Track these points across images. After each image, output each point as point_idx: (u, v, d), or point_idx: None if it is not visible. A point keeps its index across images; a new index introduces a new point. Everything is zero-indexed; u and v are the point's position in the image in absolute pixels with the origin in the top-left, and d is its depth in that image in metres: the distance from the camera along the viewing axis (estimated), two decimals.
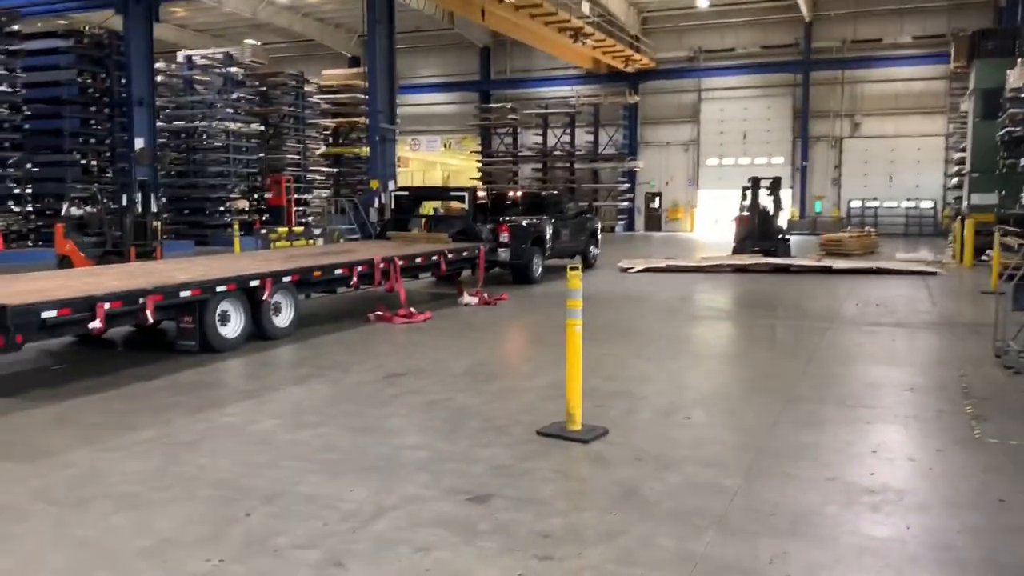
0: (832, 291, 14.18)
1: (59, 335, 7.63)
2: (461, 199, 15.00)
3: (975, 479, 4.83)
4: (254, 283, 8.92)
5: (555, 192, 21.23)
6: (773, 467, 5.04)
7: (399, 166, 27.94)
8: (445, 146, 41.12)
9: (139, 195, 17.72)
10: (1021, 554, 3.80)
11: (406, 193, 16.29)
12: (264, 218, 25.78)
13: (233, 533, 4.02)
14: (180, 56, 26.21)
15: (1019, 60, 16.19)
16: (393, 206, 16.00)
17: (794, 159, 35.95)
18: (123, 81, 22.74)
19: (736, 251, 19.69)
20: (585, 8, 30.38)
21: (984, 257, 17.15)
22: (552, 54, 34.39)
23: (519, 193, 18.07)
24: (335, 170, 30.99)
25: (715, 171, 37.16)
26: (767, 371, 8.17)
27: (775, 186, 19.93)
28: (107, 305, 7.18)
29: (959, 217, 21.00)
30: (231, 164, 25.58)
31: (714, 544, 3.90)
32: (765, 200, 19.89)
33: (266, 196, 26.40)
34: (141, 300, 7.54)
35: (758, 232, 19.72)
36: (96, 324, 7.08)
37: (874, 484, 4.71)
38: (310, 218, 27.94)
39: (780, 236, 19.87)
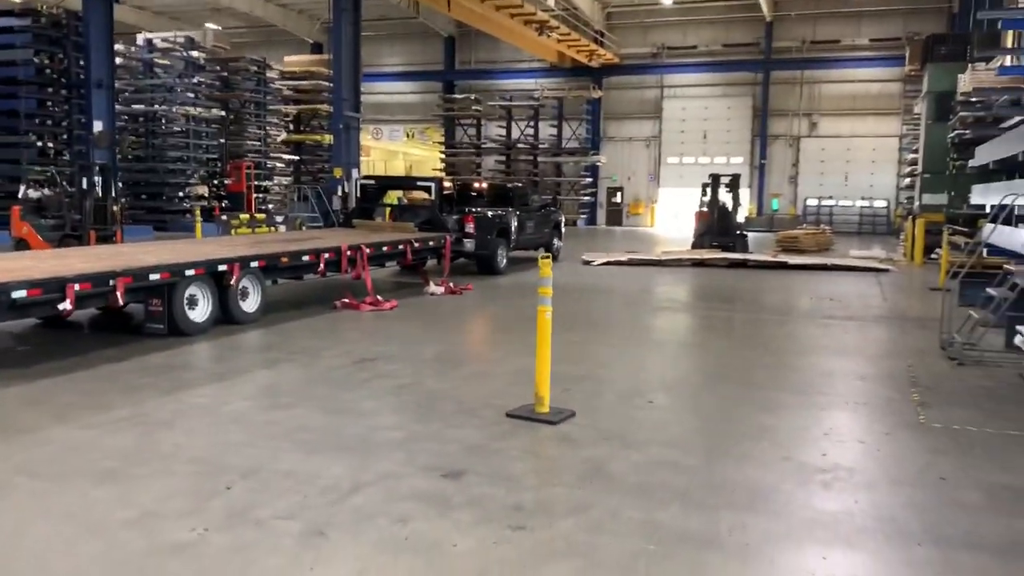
0: (788, 286, 14.59)
1: (27, 316, 7.61)
2: (427, 189, 15.09)
3: (919, 459, 5.13)
4: (222, 268, 8.96)
5: (520, 184, 21.41)
6: (732, 448, 5.29)
7: (361, 155, 27.89)
8: (408, 136, 41.08)
9: (98, 178, 17.51)
10: (959, 525, 4.09)
11: (372, 182, 16.33)
12: (224, 204, 25.58)
13: (214, 506, 4.14)
14: (140, 38, 25.84)
15: (970, 65, 16.74)
16: (358, 194, 16.02)
17: (753, 158, 36.59)
18: (81, 62, 22.36)
19: (695, 246, 20.08)
20: (550, 1, 30.56)
21: (934, 255, 17.74)
22: (517, 46, 34.57)
23: (484, 185, 18.20)
24: (296, 157, 30.81)
25: (676, 169, 37.66)
26: (726, 360, 8.45)
27: (734, 183, 20.35)
28: (77, 286, 7.20)
29: (911, 216, 21.65)
30: (191, 149, 25.33)
31: (677, 516, 4.13)
32: (724, 197, 20.30)
33: (226, 182, 26.19)
34: (111, 282, 7.56)
35: (717, 228, 20.12)
36: (66, 305, 7.09)
37: (826, 464, 4.98)
38: (270, 205, 27.78)
39: (738, 232, 20.31)
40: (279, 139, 30.22)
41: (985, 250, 11.03)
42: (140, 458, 4.83)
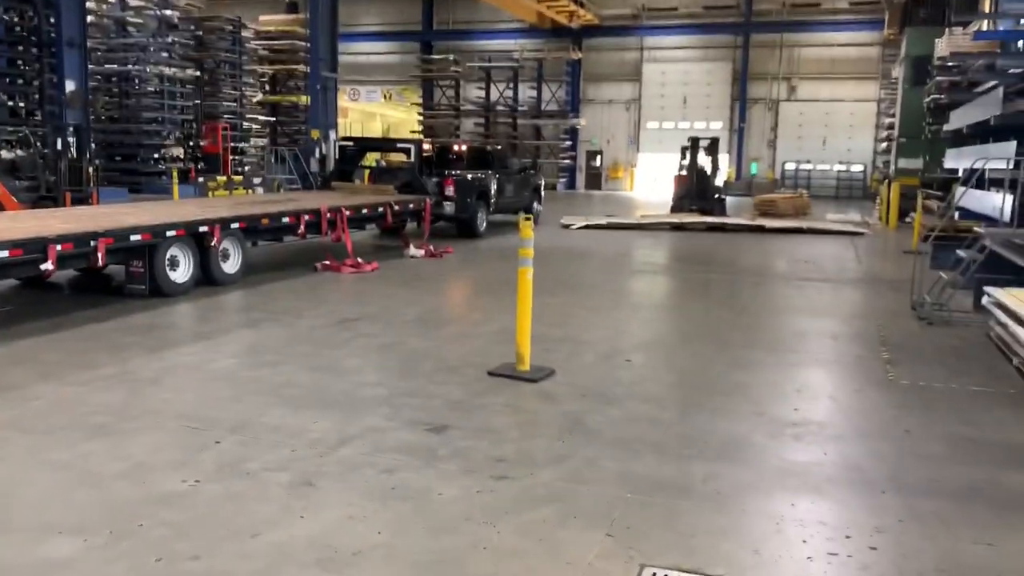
0: (765, 249, 14.79)
1: (7, 277, 7.62)
2: (407, 151, 15.08)
3: (886, 414, 5.34)
4: (203, 229, 8.97)
5: (499, 147, 21.37)
6: (706, 403, 5.47)
7: (339, 116, 27.65)
8: (385, 97, 40.73)
9: (72, 139, 17.32)
10: (921, 474, 4.29)
11: (351, 144, 16.27)
12: (200, 166, 25.34)
13: (205, 458, 4.25)
14: None
15: (947, 29, 16.86)
16: (336, 156, 15.96)
17: (732, 122, 36.68)
18: (52, 20, 21.91)
19: (674, 209, 20.23)
20: None
21: (908, 219, 18.00)
22: (497, 6, 34.22)
23: (464, 147, 18.18)
24: (273, 118, 30.48)
25: (655, 134, 37.69)
26: (702, 320, 8.63)
27: (713, 147, 20.46)
28: (59, 247, 7.21)
29: (887, 181, 21.89)
30: (165, 110, 24.98)
31: (652, 466, 4.30)
32: (703, 161, 20.42)
33: (202, 144, 25.91)
34: (93, 243, 7.57)
35: (696, 191, 20.27)
36: (48, 266, 7.11)
37: (797, 418, 5.17)
38: (247, 167, 27.54)
39: (716, 196, 20.48)
40: (255, 100, 29.85)
41: (957, 213, 11.27)
42: (129, 413, 4.92)
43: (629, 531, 3.55)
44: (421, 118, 38.99)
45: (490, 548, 3.38)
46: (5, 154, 16.99)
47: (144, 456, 4.26)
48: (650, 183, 36.65)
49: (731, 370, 6.36)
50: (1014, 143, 8.96)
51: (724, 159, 30.37)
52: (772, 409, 5.36)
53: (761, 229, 17.66)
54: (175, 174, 21.01)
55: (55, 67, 21.85)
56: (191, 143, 26.37)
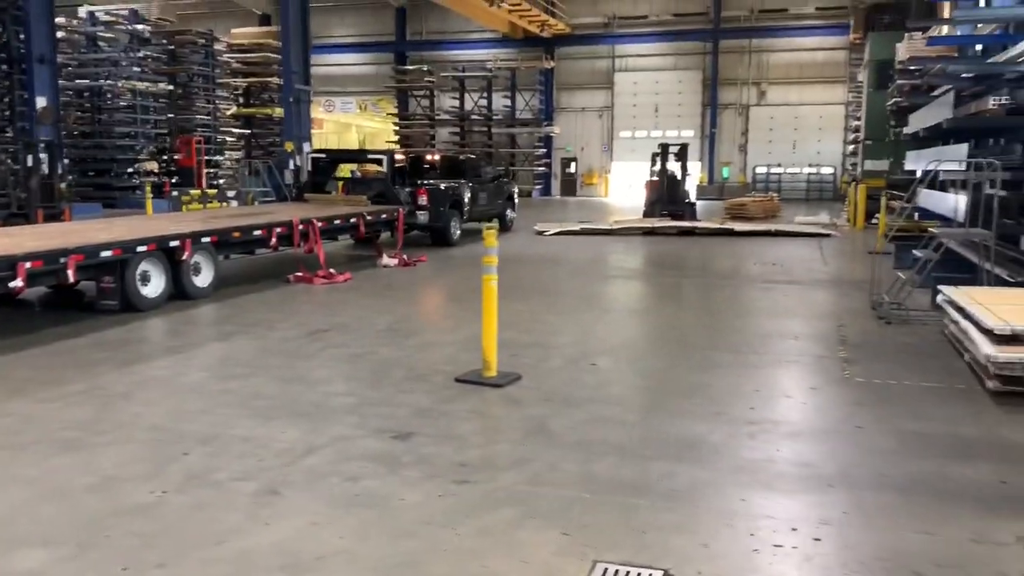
0: (734, 252, 15.01)
1: None
2: (379, 162, 15.18)
3: (840, 411, 5.51)
4: (174, 243, 9.03)
5: (472, 156, 21.51)
6: (668, 404, 5.62)
7: (313, 128, 27.69)
8: (361, 108, 40.75)
9: (44, 156, 17.27)
10: (869, 468, 4.45)
11: (324, 155, 16.35)
12: (174, 180, 25.29)
13: (173, 470, 4.34)
14: (83, 11, 25.25)
15: (906, 34, 17.21)
16: (310, 168, 16.03)
17: (704, 128, 37.07)
18: (22, 36, 21.83)
19: (646, 215, 20.45)
20: None
21: (874, 220, 18.33)
22: (469, 16, 34.42)
23: (437, 157, 18.31)
24: (247, 131, 30.46)
25: (628, 143, 37.99)
26: (669, 323, 8.80)
27: (682, 153, 20.72)
28: (28, 264, 7.25)
29: (854, 182, 22.25)
30: (138, 124, 24.93)
31: (612, 467, 4.43)
32: (673, 166, 20.68)
33: (176, 158, 25.88)
34: (63, 260, 7.62)
35: (667, 197, 20.51)
36: (18, 283, 7.15)
37: (753, 417, 5.33)
38: (221, 180, 27.51)
39: (687, 201, 20.74)
40: (228, 113, 29.82)
41: (917, 214, 11.54)
42: (99, 428, 4.99)
43: (585, 529, 3.68)
44: (397, 128, 39.08)
45: (449, 550, 3.49)
46: None
47: (113, 469, 4.34)
48: (624, 189, 36.94)
49: (694, 372, 6.52)
50: (966, 145, 9.22)
51: (695, 164, 30.81)
52: (730, 409, 5.51)
53: (730, 233, 17.91)
54: (148, 189, 20.97)
55: (25, 83, 21.78)
56: (165, 157, 26.34)
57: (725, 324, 8.56)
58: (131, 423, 5.10)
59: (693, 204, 20.92)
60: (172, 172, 25.96)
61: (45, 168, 17.45)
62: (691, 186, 21.58)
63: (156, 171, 25.73)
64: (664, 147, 20.90)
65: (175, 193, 22.44)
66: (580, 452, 4.65)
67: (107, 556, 3.39)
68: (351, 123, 42.99)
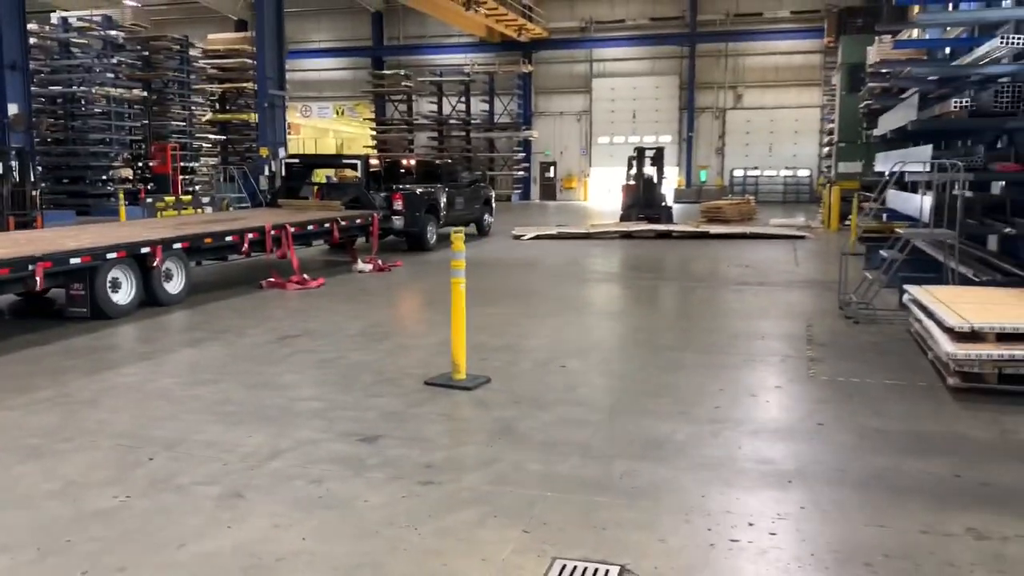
0: (709, 255, 15.14)
1: None
2: (354, 167, 15.19)
3: (802, 409, 5.59)
4: (144, 250, 9.01)
5: (449, 161, 21.55)
6: (634, 405, 5.68)
7: (290, 133, 27.64)
8: (338, 113, 40.71)
9: (15, 163, 17.13)
10: (828, 464, 4.53)
11: (297, 161, 16.33)
12: (149, 187, 25.15)
13: (137, 475, 4.34)
14: (55, 17, 25.06)
15: (876, 38, 17.44)
16: (284, 174, 16.01)
17: (681, 132, 37.33)
18: None
19: (623, 218, 20.57)
20: None
21: (847, 222, 18.53)
22: (445, 21, 34.48)
23: (413, 162, 18.35)
24: (222, 137, 30.35)
25: (607, 149, 38.19)
26: (641, 325, 8.87)
27: (658, 156, 20.88)
28: None
29: (830, 184, 22.49)
30: (113, 131, 24.77)
31: (576, 466, 4.48)
32: (650, 170, 20.82)
33: (151, 164, 25.74)
34: (30, 267, 7.57)
35: (643, 200, 20.65)
36: None
37: (717, 416, 5.39)
38: (197, 186, 27.38)
39: (663, 204, 20.89)
40: (204, 119, 29.69)
41: (885, 215, 11.69)
42: (64, 435, 4.98)
43: (545, 527, 3.72)
44: (374, 133, 39.05)
45: (410, 549, 3.52)
46: None
47: (76, 475, 4.33)
48: (603, 193, 37.10)
49: (662, 372, 6.59)
50: (930, 147, 9.36)
51: (673, 168, 30.99)
52: (695, 408, 5.57)
53: (706, 235, 18.05)
54: (122, 195, 20.83)
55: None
56: (140, 164, 26.18)
57: (696, 326, 8.64)
58: (96, 430, 5.09)
59: (669, 208, 21.08)
60: (147, 179, 25.82)
61: (16, 176, 17.30)
62: (668, 190, 21.74)
63: (131, 178, 25.57)
64: (640, 151, 21.05)
65: (150, 200, 22.29)
66: (545, 452, 4.69)
67: (67, 561, 3.39)
68: (328, 128, 42.95)
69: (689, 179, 36.97)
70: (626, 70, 37.74)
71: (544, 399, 5.80)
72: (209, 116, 30.15)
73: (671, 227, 18.96)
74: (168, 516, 3.83)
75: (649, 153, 20.95)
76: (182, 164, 26.11)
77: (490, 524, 3.76)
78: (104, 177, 24.77)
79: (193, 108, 28.55)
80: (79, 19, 24.91)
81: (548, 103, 38.96)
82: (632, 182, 20.90)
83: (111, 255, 8.54)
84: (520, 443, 4.86)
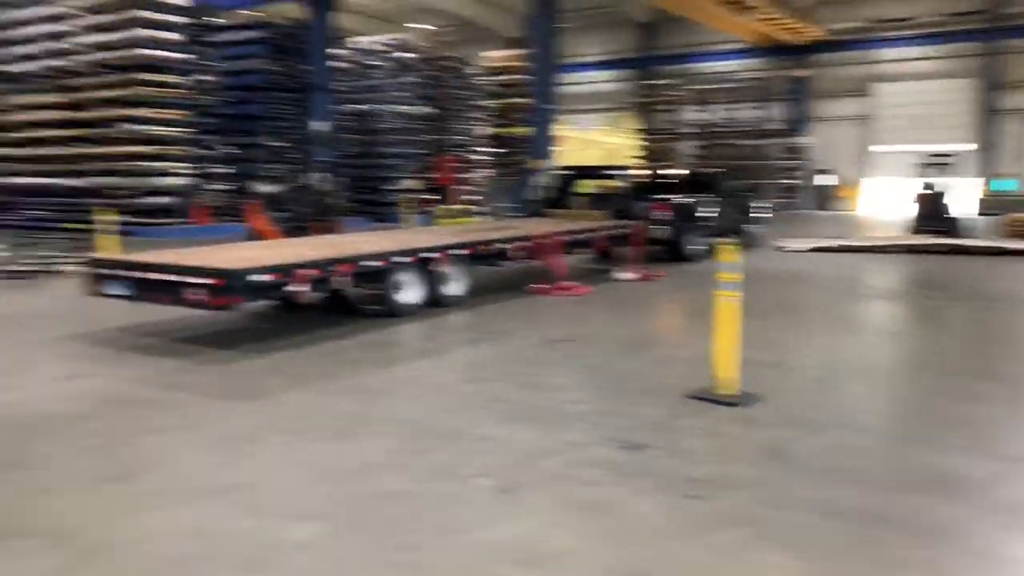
0: (1010, 273, 13.53)
1: (264, 298, 8.71)
2: (618, 177, 15.38)
3: None
4: (429, 255, 9.75)
5: (714, 170, 21.12)
6: (922, 435, 5.23)
7: (557, 145, 28.55)
8: (603, 124, 41.37)
9: (320, 175, 19.30)
10: None
11: (566, 171, 16.83)
12: (431, 197, 27.17)
13: (423, 462, 4.72)
14: (359, 42, 27.88)
15: None
16: (553, 184, 16.58)
17: (979, 137, 33.60)
18: (305, 68, 24.61)
19: (915, 231, 18.99)
20: None
21: None
22: (715, 28, 33.85)
23: (678, 171, 18.21)
24: (499, 150, 32.01)
25: (886, 157, 35.31)
26: (927, 347, 8.15)
27: (952, 165, 19.02)
28: (306, 272, 8.17)
29: None
30: (401, 145, 27.08)
31: (853, 496, 4.21)
32: (943, 180, 19.03)
33: (433, 176, 27.79)
34: (334, 268, 8.50)
35: (935, 212, 18.95)
36: (296, 288, 8.08)
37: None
38: (474, 197, 29.11)
39: (950, 216, 19.04)
40: (482, 133, 31.50)
41: None
42: (361, 419, 5.54)
43: (821, 557, 3.55)
44: (640, 143, 39.21)
45: (679, 562, 3.52)
46: (266, 189, 19.23)
47: (372, 457, 4.81)
48: (881, 203, 34.38)
49: (954, 401, 6.00)
50: None
51: (970, 178, 28.02)
52: (995, 445, 5.02)
53: (1007, 252, 16.12)
54: (408, 205, 22.70)
55: (307, 110, 24.50)
56: (424, 176, 28.38)
57: (995, 351, 7.77)
58: (388, 417, 5.61)
59: (958, 220, 19.13)
60: (430, 189, 27.91)
61: (323, 185, 19.47)
62: (962, 200, 19.72)
63: (416, 188, 27.79)
64: (935, 157, 19.30)
65: (430, 209, 24.06)
66: (819, 478, 4.47)
67: (368, 535, 3.78)
68: (593, 139, 43.76)
69: (991, 189, 33.17)
70: (912, 71, 34.70)
71: (817, 421, 5.51)
72: (487, 131, 31.94)
73: (966, 241, 17.15)
74: (449, 504, 4.14)
75: (940, 161, 19.14)
76: (460, 175, 27.91)
77: (760, 547, 3.65)
78: (392, 187, 27.14)
79: (472, 123, 30.44)
80: (374, 43, 27.53)
81: (823, 108, 36.85)
82: (927, 191, 19.23)
83: (402, 259, 9.35)
84: (791, 466, 4.67)
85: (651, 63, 40.14)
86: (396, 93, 27.00)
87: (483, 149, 31.25)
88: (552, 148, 23.28)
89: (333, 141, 24.34)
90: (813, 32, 34.17)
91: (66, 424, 5.44)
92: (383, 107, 26.85)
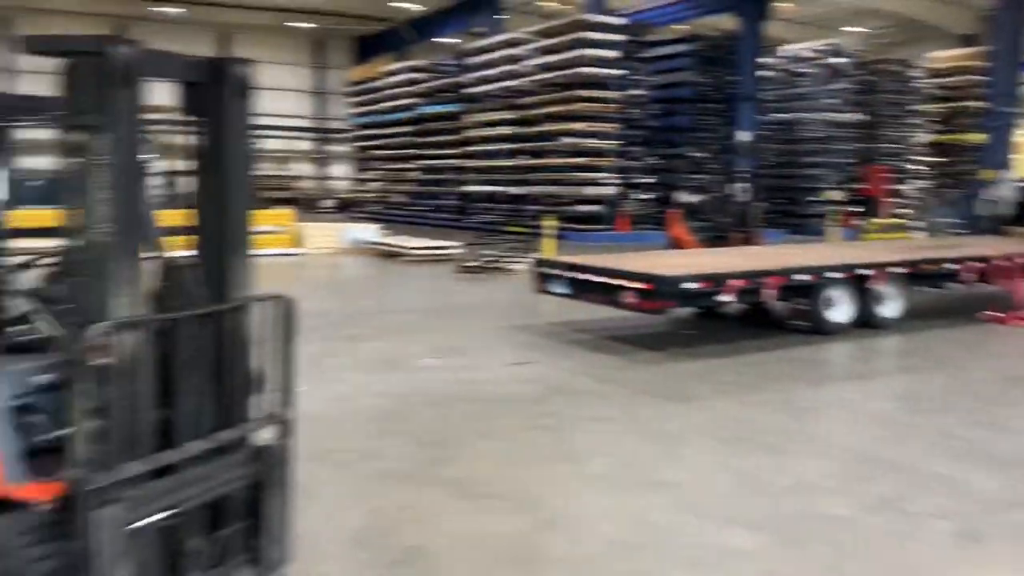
0: None
1: (692, 305, 8.91)
2: None
3: None
4: (864, 272, 9.15)
5: None
6: None
7: (1017, 153, 24.91)
8: None
9: (743, 185, 19.15)
10: None
11: None
12: (857, 209, 25.43)
13: (863, 490, 4.45)
14: (787, 50, 27.16)
15: None
16: (1014, 199, 14.53)
17: None
18: (732, 79, 24.61)
19: None
20: None
21: None
22: None
23: None
24: (941, 159, 28.92)
25: None
26: None
27: None
28: (735, 282, 8.18)
29: None
30: (827, 154, 25.76)
31: None
32: None
33: (861, 187, 25.99)
34: (764, 280, 8.38)
35: None
36: (726, 298, 8.12)
37: None
38: (907, 210, 26.65)
39: None
40: (921, 141, 28.74)
41: None
42: (791, 436, 5.40)
43: None
44: None
45: None
46: (687, 198, 19.60)
47: (807, 477, 4.66)
48: None
49: None
50: None
51: None
52: None
53: None
54: (833, 217, 21.56)
55: (732, 120, 24.52)
56: (849, 186, 26.69)
57: None
58: (820, 438, 5.39)
59: None
60: (856, 201, 26.16)
61: (744, 196, 19.34)
62: None
63: (841, 200, 26.25)
64: None
65: (857, 222, 22.55)
66: None
67: (813, 557, 3.67)
68: None
69: None
70: None
71: None
72: (925, 138, 29.08)
73: None
74: (900, 539, 3.84)
75: None
76: (891, 187, 25.76)
77: None
78: (813, 198, 25.95)
79: (909, 130, 27.92)
80: (806, 50, 26.54)
81: None
82: None
83: (833, 274, 8.91)
84: None
85: None
86: (825, 100, 25.76)
87: (920, 158, 28.46)
88: (1009, 157, 20.39)
89: (756, 151, 24.02)
90: None
91: (521, 404, 6.11)
92: (810, 115, 25.81)
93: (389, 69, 31.09)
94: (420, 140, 29.02)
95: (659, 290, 7.77)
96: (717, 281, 8.14)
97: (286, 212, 18.62)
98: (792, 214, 25.81)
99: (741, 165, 23.42)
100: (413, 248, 16.43)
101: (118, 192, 2.58)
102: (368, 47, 39.31)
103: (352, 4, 35.90)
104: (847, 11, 35.02)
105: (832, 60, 25.76)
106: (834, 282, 8.98)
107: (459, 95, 26.84)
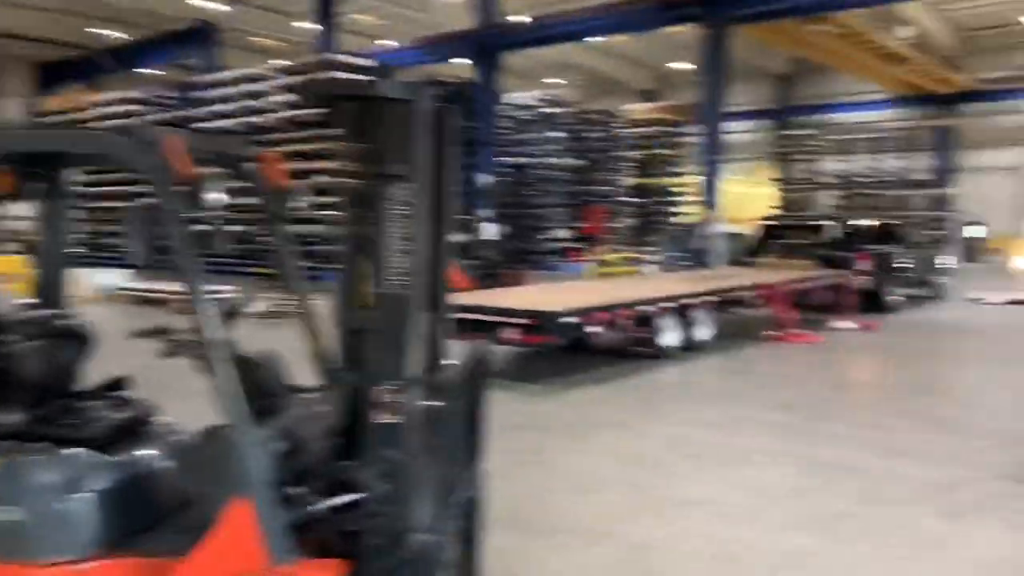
0: None
1: (567, 337, 9.26)
2: (825, 228, 15.67)
3: None
4: (687, 301, 10.21)
5: (900, 223, 20.82)
6: None
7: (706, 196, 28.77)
8: (739, 173, 41.42)
9: (491, 225, 20.05)
10: None
11: (769, 222, 17.30)
12: (579, 246, 27.70)
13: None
14: (513, 98, 28.91)
15: None
16: (754, 235, 16.95)
17: None
18: (470, 125, 25.69)
19: None
20: (903, 32, 29.60)
21: None
22: (861, 78, 33.69)
23: (870, 223, 18.25)
24: (642, 200, 32.45)
25: None
26: None
27: None
28: (600, 315, 8.71)
29: None
30: (552, 196, 27.73)
31: None
32: None
33: (582, 225, 28.42)
34: (619, 312, 9.03)
35: None
36: (594, 329, 8.62)
37: None
38: (623, 247, 29.50)
39: None
40: (627, 184, 32.05)
41: None
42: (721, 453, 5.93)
43: None
44: (775, 193, 39.02)
45: None
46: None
47: (771, 490, 5.17)
48: None
49: None
50: None
51: None
52: None
53: None
54: (569, 254, 23.24)
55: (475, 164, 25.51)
56: (573, 225, 29.01)
57: None
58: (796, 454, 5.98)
59: None
60: (579, 239, 28.48)
61: (494, 235, 20.32)
62: None
63: (567, 237, 28.41)
64: None
65: (588, 259, 24.53)
66: None
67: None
68: (727, 189, 43.76)
69: None
70: None
71: None
72: (632, 180, 32.44)
73: None
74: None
75: None
76: (609, 225, 28.47)
77: None
78: (545, 236, 27.82)
79: (615, 174, 31.08)
80: (530, 98, 28.53)
81: (973, 159, 36.00)
82: None
83: (666, 304, 9.83)
84: None
85: (789, 113, 40.17)
86: (546, 146, 27.84)
87: (627, 199, 31.75)
88: (720, 198, 23.44)
89: (495, 194, 25.28)
90: (960, 82, 33.58)
91: None
92: (535, 160, 27.72)
93: (96, 100, 28.18)
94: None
95: (543, 325, 8.07)
96: (586, 314, 8.61)
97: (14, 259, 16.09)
98: (532, 251, 27.38)
99: (486, 206, 24.50)
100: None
101: (420, 244, 2.48)
102: (52, 75, 35.27)
103: (32, 24, 32.13)
104: (548, 64, 38.25)
105: (548, 109, 28.03)
106: (664, 311, 9.88)
107: (189, 129, 25.07)
